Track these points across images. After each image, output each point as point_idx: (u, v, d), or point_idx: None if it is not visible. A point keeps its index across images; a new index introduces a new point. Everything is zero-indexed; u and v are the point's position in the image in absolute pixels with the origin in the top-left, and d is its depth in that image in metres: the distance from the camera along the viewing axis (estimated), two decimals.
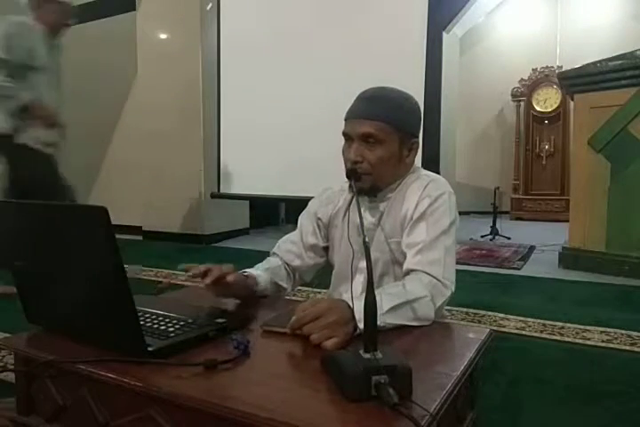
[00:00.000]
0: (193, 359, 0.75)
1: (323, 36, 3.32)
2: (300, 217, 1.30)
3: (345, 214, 1.21)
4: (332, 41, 3.29)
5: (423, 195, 1.10)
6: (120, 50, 4.82)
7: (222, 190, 4.14)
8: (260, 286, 1.12)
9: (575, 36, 6.01)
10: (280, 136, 3.60)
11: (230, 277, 1.00)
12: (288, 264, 1.24)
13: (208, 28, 4.29)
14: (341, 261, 1.20)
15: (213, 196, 4.12)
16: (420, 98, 2.91)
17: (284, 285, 1.21)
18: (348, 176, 1.08)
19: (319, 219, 1.26)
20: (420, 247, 1.05)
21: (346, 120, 1.11)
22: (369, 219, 1.14)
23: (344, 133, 1.11)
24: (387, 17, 3.15)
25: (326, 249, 1.27)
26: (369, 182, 1.09)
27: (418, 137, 1.14)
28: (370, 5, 3.21)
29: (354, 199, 1.11)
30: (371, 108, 1.07)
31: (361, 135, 1.07)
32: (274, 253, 1.27)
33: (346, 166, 1.11)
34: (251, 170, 3.81)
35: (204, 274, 1.00)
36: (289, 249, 1.26)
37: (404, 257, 1.09)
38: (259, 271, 1.16)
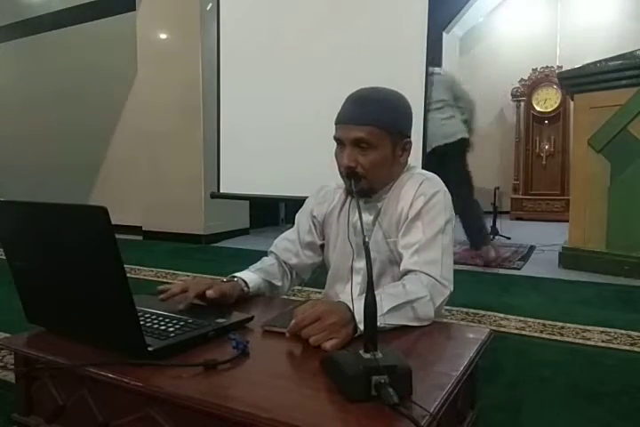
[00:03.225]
0: (193, 359, 0.75)
1: (322, 37, 3.32)
2: (297, 215, 1.30)
3: (339, 213, 1.21)
4: (331, 41, 3.28)
5: (418, 193, 1.09)
6: (120, 50, 4.82)
7: (222, 190, 4.13)
8: (252, 287, 1.13)
9: (575, 36, 6.01)
10: (280, 136, 3.60)
11: (210, 293, 1.00)
12: (285, 263, 1.24)
13: (208, 28, 4.28)
14: (337, 260, 1.20)
15: (213, 196, 4.11)
16: (420, 99, 2.91)
17: (278, 283, 1.21)
18: (347, 177, 1.08)
19: (314, 217, 1.26)
20: (417, 247, 1.05)
21: (336, 125, 1.10)
22: (365, 218, 1.14)
23: (336, 138, 1.10)
24: (386, 18, 3.14)
25: (323, 247, 1.27)
26: (365, 185, 1.09)
27: (410, 136, 1.13)
28: (369, 6, 3.21)
29: (352, 200, 1.11)
30: (361, 113, 1.05)
31: (353, 140, 1.06)
32: (271, 252, 1.27)
33: (340, 170, 1.11)
34: (250, 170, 3.80)
35: (181, 293, 1.00)
36: (286, 247, 1.25)
37: (401, 257, 1.08)
38: (249, 273, 1.16)
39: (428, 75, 3.02)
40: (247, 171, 3.81)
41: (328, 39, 3.31)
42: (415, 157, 3.11)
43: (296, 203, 1.51)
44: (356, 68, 3.13)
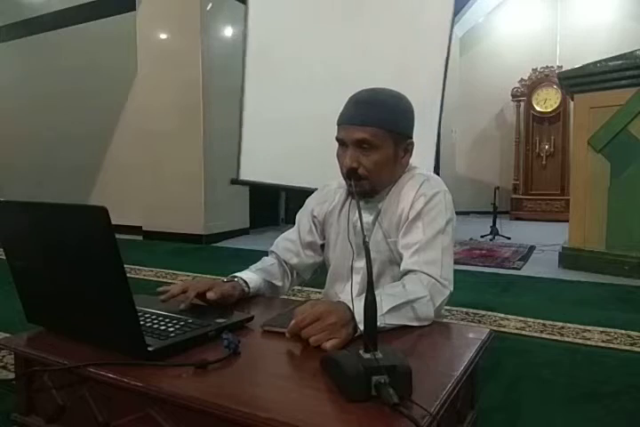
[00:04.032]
0: (193, 359, 0.75)
1: (332, 35, 3.33)
2: (297, 215, 1.30)
3: (340, 213, 1.21)
4: (341, 40, 3.30)
5: (418, 194, 1.09)
6: (120, 50, 4.82)
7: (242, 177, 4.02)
8: (252, 287, 1.13)
9: (575, 35, 6.02)
10: (297, 128, 3.57)
11: (210, 294, 1.00)
12: (286, 262, 1.24)
13: (208, 28, 4.29)
14: (337, 260, 1.20)
15: (233, 182, 4.02)
16: (436, 105, 2.91)
17: (278, 283, 1.21)
18: (347, 177, 1.08)
19: (315, 217, 1.26)
20: (417, 247, 1.05)
21: (339, 126, 1.10)
22: (365, 218, 1.14)
23: (338, 139, 1.10)
24: (411, 18, 3.15)
25: (324, 247, 1.27)
26: (367, 186, 1.09)
27: (412, 137, 1.14)
28: (395, 7, 3.22)
29: (353, 200, 1.11)
30: (363, 114, 1.05)
31: (355, 141, 1.06)
32: (271, 252, 1.27)
33: (342, 171, 1.11)
34: (270, 159, 3.75)
35: (182, 293, 1.00)
36: (286, 247, 1.25)
37: (401, 257, 1.08)
38: (249, 273, 1.16)
39: None
40: (264, 159, 3.76)
41: (338, 38, 3.32)
42: (428, 158, 3.12)
43: (300, 201, 1.49)
44: (379, 67, 3.12)
